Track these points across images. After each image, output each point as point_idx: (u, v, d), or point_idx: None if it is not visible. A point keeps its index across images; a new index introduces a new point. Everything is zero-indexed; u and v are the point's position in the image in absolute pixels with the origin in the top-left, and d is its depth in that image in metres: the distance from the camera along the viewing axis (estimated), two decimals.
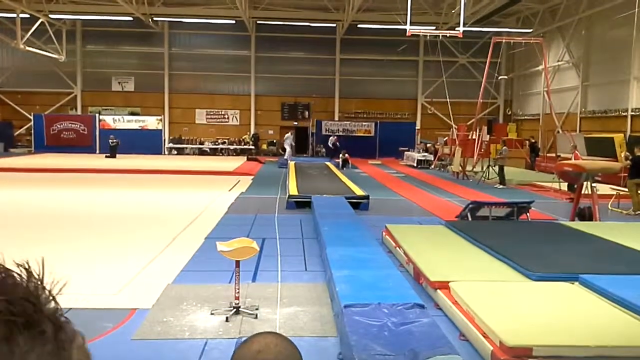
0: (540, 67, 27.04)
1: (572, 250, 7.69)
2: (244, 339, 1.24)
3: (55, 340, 0.58)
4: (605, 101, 24.27)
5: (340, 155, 25.78)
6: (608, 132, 21.70)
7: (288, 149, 28.07)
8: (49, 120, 31.34)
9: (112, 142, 27.60)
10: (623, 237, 8.50)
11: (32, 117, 31.41)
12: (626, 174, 14.27)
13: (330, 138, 28.36)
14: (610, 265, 6.87)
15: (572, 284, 6.18)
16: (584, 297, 5.77)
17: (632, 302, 5.29)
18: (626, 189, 13.99)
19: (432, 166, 26.18)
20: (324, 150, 31.19)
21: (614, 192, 14.17)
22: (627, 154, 14.79)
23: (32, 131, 31.41)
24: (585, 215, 11.34)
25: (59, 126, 31.28)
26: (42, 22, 27.36)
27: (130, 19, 28.90)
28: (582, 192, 11.52)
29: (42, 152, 29.67)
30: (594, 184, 11.16)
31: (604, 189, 14.05)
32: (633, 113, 22.06)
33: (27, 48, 26.51)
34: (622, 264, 6.94)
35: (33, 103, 32.39)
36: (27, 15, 26.26)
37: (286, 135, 29.52)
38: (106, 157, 27.22)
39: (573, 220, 11.18)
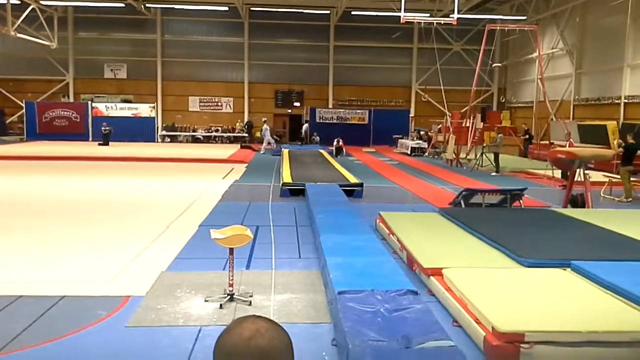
0: (534, 55, 27.02)
1: (565, 237, 7.74)
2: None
3: None
4: (598, 89, 24.31)
5: (335, 143, 25.65)
6: (601, 120, 21.76)
7: (267, 139, 26.78)
8: (41, 107, 31.13)
9: (104, 130, 27.50)
10: (615, 224, 8.55)
11: (24, 105, 31.19)
12: (618, 161, 14.34)
13: (335, 142, 25.96)
14: (602, 251, 6.92)
15: (564, 270, 6.22)
16: (576, 283, 5.82)
17: (623, 288, 5.33)
18: (618, 176, 14.07)
19: (426, 154, 26.21)
20: (318, 138, 31.07)
21: (607, 180, 14.24)
22: (620, 141, 14.83)
23: (24, 119, 31.21)
24: (577, 202, 11.40)
25: (51, 114, 31.08)
26: (33, 9, 27.10)
27: (122, 5, 28.68)
28: (575, 179, 11.57)
29: (35, 140, 29.50)
30: (586, 171, 11.20)
31: (596, 176, 14.11)
32: (626, 101, 22.11)
33: (18, 35, 26.23)
34: (614, 251, 6.98)
35: (25, 90, 32.19)
36: (18, 2, 25.97)
37: (264, 127, 27.55)
38: (99, 144, 27.14)
39: (566, 207, 11.24)
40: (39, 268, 6.85)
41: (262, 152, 25.96)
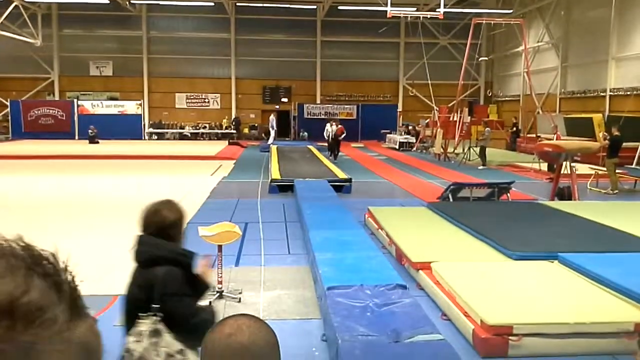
0: (520, 48, 27.12)
1: (552, 230, 7.79)
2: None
3: (71, 298, 0.63)
4: (584, 82, 24.46)
5: (327, 129, 21.58)
6: (587, 113, 21.90)
7: (272, 132, 27.43)
8: (26, 106, 30.81)
9: (91, 133, 27.39)
10: (601, 216, 8.63)
11: (8, 104, 30.86)
12: (604, 154, 14.46)
13: (327, 127, 21.73)
14: (589, 243, 6.98)
15: (552, 262, 6.27)
16: (563, 275, 5.87)
17: (610, 279, 5.38)
18: (604, 169, 14.18)
19: (414, 148, 26.25)
20: (306, 134, 30.96)
21: (593, 172, 14.35)
22: (605, 134, 14.94)
23: (9, 118, 30.85)
24: (564, 194, 11.48)
25: (36, 112, 30.77)
26: (16, 6, 26.73)
27: (107, 1, 28.37)
28: (562, 172, 11.65)
29: (20, 139, 29.20)
30: (573, 164, 11.29)
31: (583, 168, 14.21)
32: (611, 93, 22.28)
33: (1, 32, 25.89)
34: (600, 243, 7.05)
35: (9, 89, 31.82)
36: None
37: (270, 117, 28.93)
38: (90, 143, 27.01)
39: (553, 200, 11.31)
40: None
41: (270, 143, 25.90)
